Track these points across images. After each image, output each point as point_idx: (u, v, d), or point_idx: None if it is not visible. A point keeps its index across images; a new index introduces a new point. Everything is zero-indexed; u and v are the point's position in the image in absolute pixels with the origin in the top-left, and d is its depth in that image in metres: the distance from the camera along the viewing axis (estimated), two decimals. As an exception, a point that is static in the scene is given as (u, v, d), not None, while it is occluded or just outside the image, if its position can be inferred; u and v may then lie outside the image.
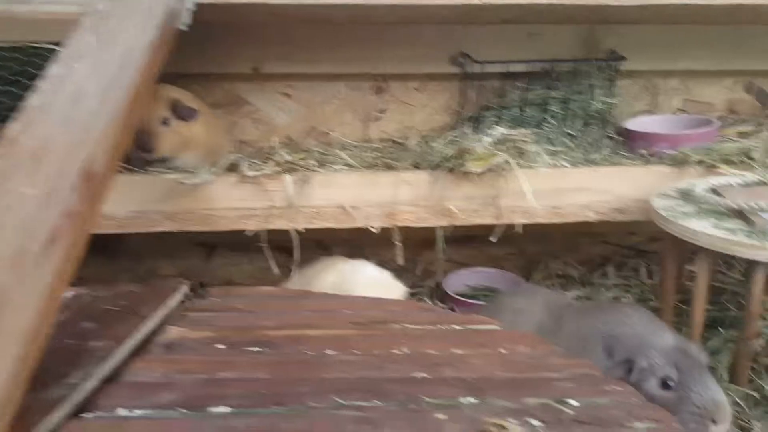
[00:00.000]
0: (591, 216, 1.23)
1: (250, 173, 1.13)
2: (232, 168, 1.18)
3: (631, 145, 1.37)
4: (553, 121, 1.42)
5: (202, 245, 1.66)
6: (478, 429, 0.60)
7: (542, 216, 1.22)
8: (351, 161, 1.22)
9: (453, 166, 1.16)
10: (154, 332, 0.83)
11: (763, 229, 0.91)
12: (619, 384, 0.72)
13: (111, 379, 0.69)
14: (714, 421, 0.81)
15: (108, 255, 1.64)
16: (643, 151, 1.33)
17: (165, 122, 1.22)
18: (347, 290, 1.15)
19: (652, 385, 0.85)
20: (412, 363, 0.75)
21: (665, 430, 0.63)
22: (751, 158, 1.18)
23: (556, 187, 1.20)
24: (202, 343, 0.81)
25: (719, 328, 1.03)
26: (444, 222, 1.20)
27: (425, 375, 0.72)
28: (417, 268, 1.65)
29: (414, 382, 0.70)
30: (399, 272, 1.67)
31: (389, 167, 1.22)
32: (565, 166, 1.21)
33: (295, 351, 0.79)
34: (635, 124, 1.44)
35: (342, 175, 1.20)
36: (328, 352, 0.78)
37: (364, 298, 1.05)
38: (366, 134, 1.58)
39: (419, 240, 1.63)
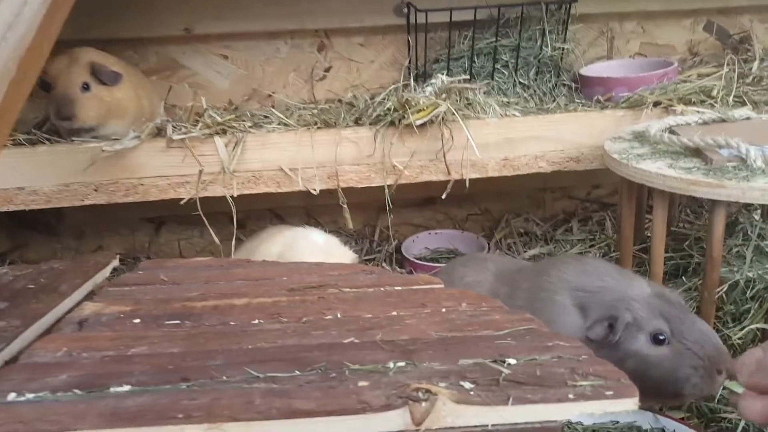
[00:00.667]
0: (545, 167, 1.17)
1: (176, 137, 1.05)
2: (158, 132, 1.09)
3: (588, 92, 1.31)
4: (504, 71, 1.35)
5: (149, 220, 1.57)
6: (402, 395, 0.54)
7: (494, 169, 1.15)
8: (287, 120, 1.14)
9: (394, 119, 1.08)
10: (71, 309, 0.76)
11: (721, 166, 0.85)
12: (565, 339, 0.67)
13: (14, 360, 0.62)
14: (719, 371, 0.71)
15: (49, 234, 1.55)
16: (600, 98, 1.27)
17: (85, 87, 1.13)
18: (292, 259, 1.08)
19: (642, 342, 0.73)
20: (342, 328, 0.69)
21: (612, 386, 0.58)
22: (711, 97, 1.12)
23: (506, 137, 1.14)
24: (117, 318, 0.74)
25: (683, 277, 0.99)
26: (390, 180, 1.14)
27: (354, 340, 0.66)
28: (375, 234, 1.59)
29: (340, 349, 0.64)
30: (357, 238, 1.61)
31: (328, 125, 1.14)
32: (516, 116, 1.14)
33: (217, 322, 0.72)
34: (591, 70, 1.38)
35: (277, 135, 1.12)
36: (254, 321, 0.72)
37: (304, 263, 0.98)
38: (312, 95, 1.49)
39: (378, 205, 1.57)
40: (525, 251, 1.44)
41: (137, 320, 0.72)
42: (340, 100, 1.45)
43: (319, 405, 0.53)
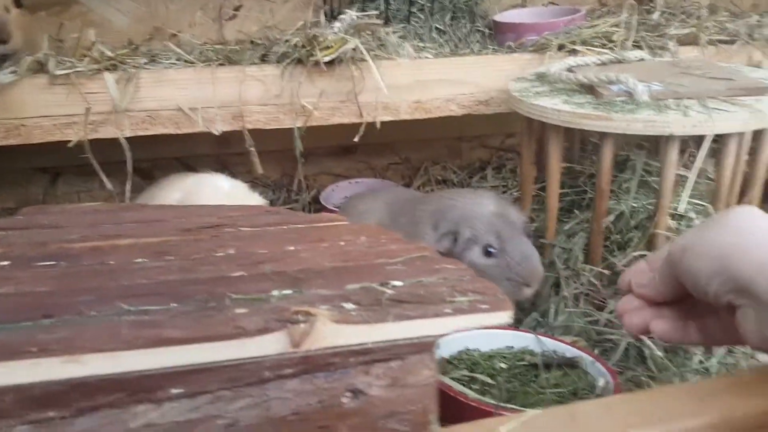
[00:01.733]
0: (455, 110, 1.17)
1: (60, 72, 0.96)
2: (40, 68, 1.00)
3: (501, 38, 1.32)
4: (420, 15, 1.33)
5: (42, 170, 1.46)
6: (281, 319, 0.53)
7: (406, 112, 1.14)
8: (187, 57, 1.07)
9: (302, 56, 1.04)
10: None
11: (610, 100, 0.88)
12: (453, 263, 0.67)
13: None
14: (527, 285, 0.85)
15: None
16: (512, 43, 1.27)
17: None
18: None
19: (475, 254, 0.86)
20: (232, 263, 0.66)
21: (488, 300, 0.58)
22: (612, 41, 1.15)
23: (417, 80, 1.12)
24: (-17, 262, 0.68)
25: (576, 211, 1.02)
26: (300, 122, 1.10)
27: (242, 273, 0.63)
28: (293, 183, 1.55)
29: (225, 281, 0.61)
30: (274, 188, 1.57)
31: (231, 62, 1.08)
32: (428, 57, 1.12)
33: (95, 262, 0.67)
34: (504, 17, 1.38)
35: (175, 71, 1.05)
36: (137, 260, 0.68)
37: (202, 206, 0.94)
38: (221, 35, 1.41)
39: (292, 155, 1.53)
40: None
41: (6, 262, 0.67)
42: (252, 42, 1.38)
43: (191, 333, 0.50)
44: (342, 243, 0.72)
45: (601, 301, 0.96)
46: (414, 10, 1.32)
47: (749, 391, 0.36)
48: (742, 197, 0.93)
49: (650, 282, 0.51)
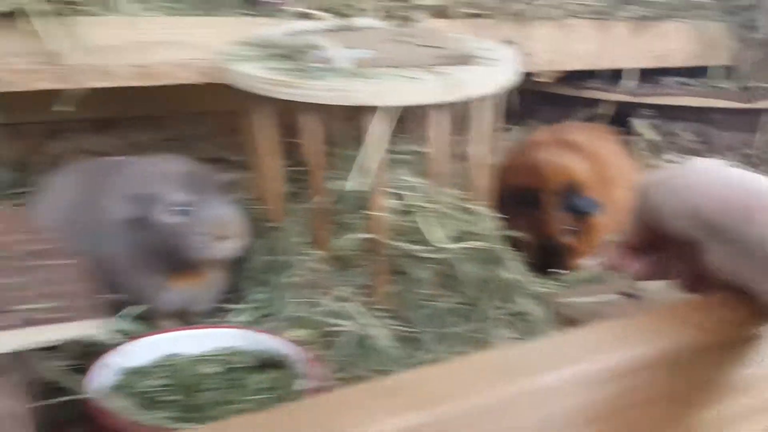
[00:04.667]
0: (191, 77, 1.06)
1: None
2: None
3: (256, 2, 1.22)
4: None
5: None
6: None
7: (124, 77, 1.01)
8: None
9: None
10: None
11: (306, 66, 0.82)
12: (59, 257, 0.58)
13: None
14: (221, 238, 0.81)
15: None
16: (267, 9, 1.18)
17: None
18: None
19: (164, 213, 0.81)
20: None
21: (73, 307, 0.49)
22: (359, 10, 1.10)
23: (134, 41, 1.00)
24: None
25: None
26: (-7, 87, 0.94)
27: None
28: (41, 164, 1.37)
29: None
30: (13, 168, 1.37)
31: None
32: (144, 15, 1.00)
33: None
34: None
35: None
36: None
37: None
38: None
39: (49, 128, 1.35)
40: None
41: None
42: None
43: None
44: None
45: (330, 290, 0.91)
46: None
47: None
48: (469, 180, 0.91)
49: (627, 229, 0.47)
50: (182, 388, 0.74)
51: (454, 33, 1.05)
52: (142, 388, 0.73)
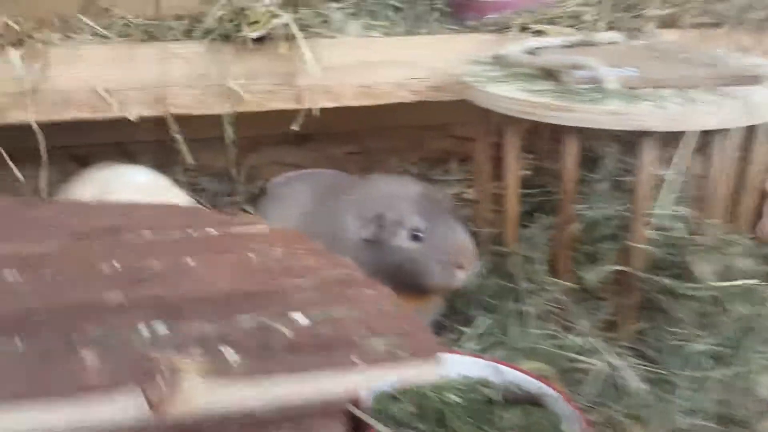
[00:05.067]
0: (407, 96, 1.05)
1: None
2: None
3: (461, 17, 1.20)
4: (374, -9, 1.21)
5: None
6: (137, 369, 0.41)
7: (350, 97, 1.02)
8: (101, 30, 0.95)
9: (229, 32, 0.92)
10: None
11: (574, 88, 0.76)
12: (372, 286, 0.57)
13: None
14: (460, 267, 0.80)
15: None
16: (473, 23, 1.16)
17: None
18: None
19: (402, 238, 0.81)
20: (110, 281, 0.55)
21: (409, 344, 0.48)
22: (582, 22, 1.03)
23: (362, 60, 1.01)
24: None
25: (540, 214, 0.91)
26: (228, 107, 0.98)
27: (116, 295, 0.52)
28: (240, 173, 1.44)
29: (90, 308, 0.50)
30: (221, 179, 1.45)
31: (152, 38, 0.96)
32: (374, 36, 1.01)
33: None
34: (465, -6, 1.26)
35: (89, 48, 0.93)
36: (4, 274, 0.57)
37: (109, 205, 0.83)
38: (158, 11, 1.29)
39: (245, 141, 1.41)
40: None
41: None
42: (191, 17, 1.26)
43: (19, 386, 0.39)
44: (250, 255, 0.61)
45: (570, 322, 0.85)
46: (369, -15, 1.20)
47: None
48: (735, 206, 0.82)
49: None
50: (430, 419, 0.71)
51: (710, 47, 0.96)
52: (394, 413, 0.71)
